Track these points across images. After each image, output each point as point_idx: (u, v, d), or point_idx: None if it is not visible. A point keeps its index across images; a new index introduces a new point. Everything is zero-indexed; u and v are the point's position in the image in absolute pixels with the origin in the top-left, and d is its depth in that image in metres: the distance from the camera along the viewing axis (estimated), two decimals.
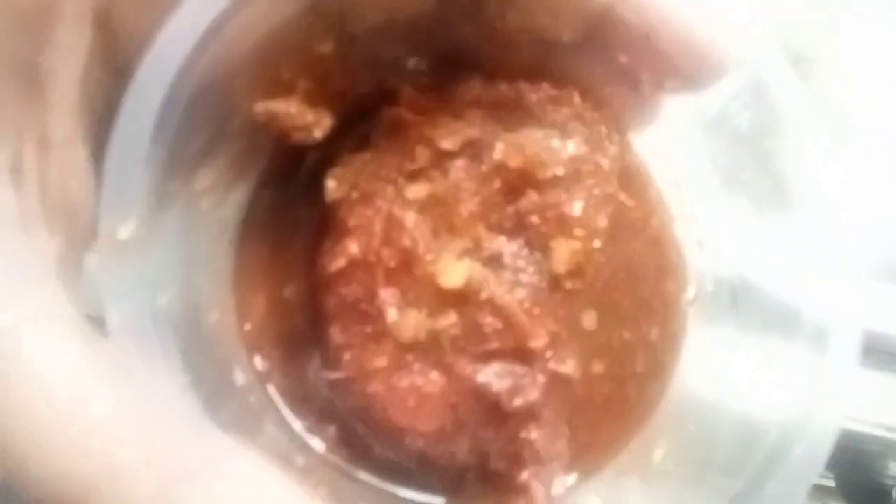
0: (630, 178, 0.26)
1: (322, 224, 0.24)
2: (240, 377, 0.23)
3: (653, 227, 0.27)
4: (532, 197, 0.23)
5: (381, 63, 0.24)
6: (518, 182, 0.23)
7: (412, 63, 0.25)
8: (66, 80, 0.18)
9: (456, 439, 0.23)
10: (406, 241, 0.23)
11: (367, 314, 0.23)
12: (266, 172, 0.25)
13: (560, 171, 0.24)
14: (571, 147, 0.24)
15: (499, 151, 0.23)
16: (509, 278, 0.23)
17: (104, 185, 0.17)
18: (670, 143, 0.26)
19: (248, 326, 0.25)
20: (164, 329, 0.17)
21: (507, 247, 0.23)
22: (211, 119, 0.20)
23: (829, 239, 0.22)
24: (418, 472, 0.24)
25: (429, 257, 0.23)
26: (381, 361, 0.23)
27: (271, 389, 0.24)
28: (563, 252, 0.23)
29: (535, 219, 0.23)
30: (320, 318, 0.24)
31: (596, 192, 0.24)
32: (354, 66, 0.24)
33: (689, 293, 0.27)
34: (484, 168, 0.23)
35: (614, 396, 0.26)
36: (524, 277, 0.23)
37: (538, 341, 0.23)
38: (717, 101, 0.24)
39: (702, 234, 0.27)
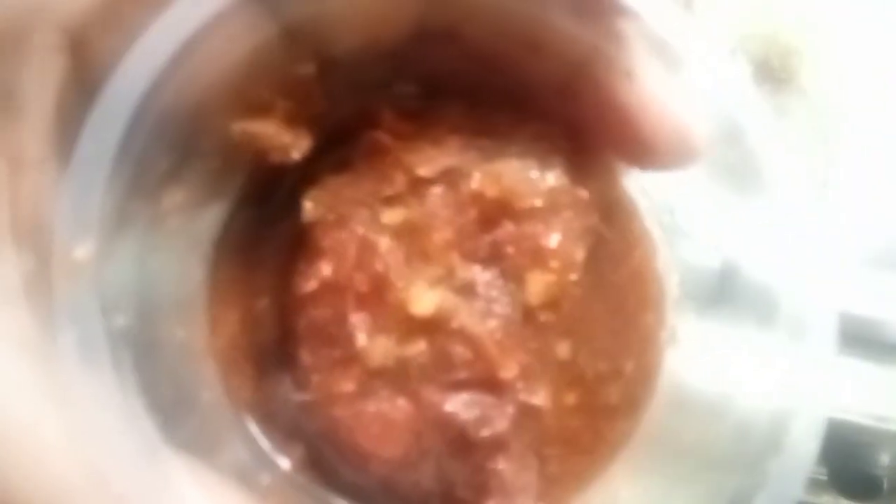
0: (613, 210, 0.26)
1: (297, 244, 0.24)
2: (206, 395, 0.23)
3: (634, 260, 0.26)
4: (508, 227, 0.23)
5: (361, 86, 0.24)
6: (494, 212, 0.23)
7: (393, 86, 0.25)
8: (39, 102, 0.19)
9: (420, 467, 0.23)
10: (379, 267, 0.23)
11: (336, 337, 0.23)
12: (243, 190, 0.25)
13: (538, 203, 0.23)
14: (550, 179, 0.24)
15: (476, 181, 0.23)
16: (481, 308, 0.23)
17: (62, 206, 0.17)
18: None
19: (219, 341, 0.25)
20: (120, 350, 0.17)
21: (481, 276, 0.23)
22: (182, 139, 0.20)
23: (808, 227, 0.22)
24: (383, 497, 0.24)
25: (401, 284, 0.23)
26: (348, 386, 0.23)
27: (239, 406, 0.24)
28: (538, 284, 0.23)
29: (510, 249, 0.23)
30: (291, 338, 0.24)
31: (574, 224, 0.24)
32: (334, 88, 0.24)
33: (668, 321, 0.26)
34: (461, 197, 0.23)
35: (585, 429, 0.25)
36: (497, 308, 0.23)
37: (508, 372, 0.23)
38: None
39: (683, 222, 0.27)
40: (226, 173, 0.24)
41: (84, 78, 0.19)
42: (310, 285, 0.23)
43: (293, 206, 0.24)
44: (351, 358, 0.23)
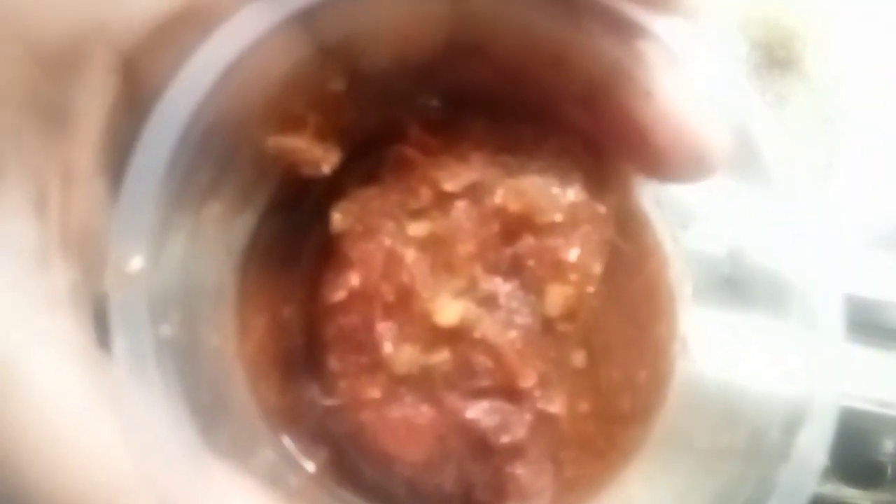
0: (628, 222, 0.27)
1: (325, 254, 0.25)
2: (237, 399, 0.24)
3: (647, 272, 0.27)
4: (529, 241, 0.24)
5: (390, 100, 0.25)
6: (516, 226, 0.24)
7: (421, 101, 0.26)
8: (92, 120, 0.19)
9: (442, 470, 0.24)
10: (405, 278, 0.24)
11: (363, 345, 0.24)
12: (274, 201, 0.26)
13: (558, 218, 0.24)
14: (570, 194, 0.25)
15: (499, 196, 0.24)
16: (503, 319, 0.24)
17: (116, 220, 0.18)
18: None
19: (248, 347, 0.26)
20: (164, 356, 0.18)
21: (503, 288, 0.24)
22: (221, 154, 0.21)
23: (814, 220, 0.22)
24: (406, 498, 0.25)
25: (426, 294, 0.24)
26: (374, 392, 0.24)
27: (267, 410, 0.25)
28: (557, 296, 0.24)
29: (531, 262, 0.24)
30: (319, 344, 0.25)
31: (592, 238, 0.25)
32: (364, 103, 0.25)
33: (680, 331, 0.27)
34: (484, 211, 0.24)
35: (598, 435, 0.26)
36: (517, 319, 0.24)
37: (527, 381, 0.24)
38: None
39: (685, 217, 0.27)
40: (258, 184, 0.25)
41: (134, 97, 0.20)
42: (338, 294, 0.24)
43: (321, 216, 0.25)
44: (377, 365, 0.24)
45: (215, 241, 0.23)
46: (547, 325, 0.25)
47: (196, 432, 0.19)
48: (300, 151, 0.24)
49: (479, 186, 0.24)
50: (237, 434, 0.23)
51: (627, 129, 0.24)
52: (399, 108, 0.26)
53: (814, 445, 0.19)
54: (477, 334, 0.24)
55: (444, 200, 0.24)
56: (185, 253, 0.21)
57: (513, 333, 0.24)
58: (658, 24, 0.22)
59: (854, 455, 0.60)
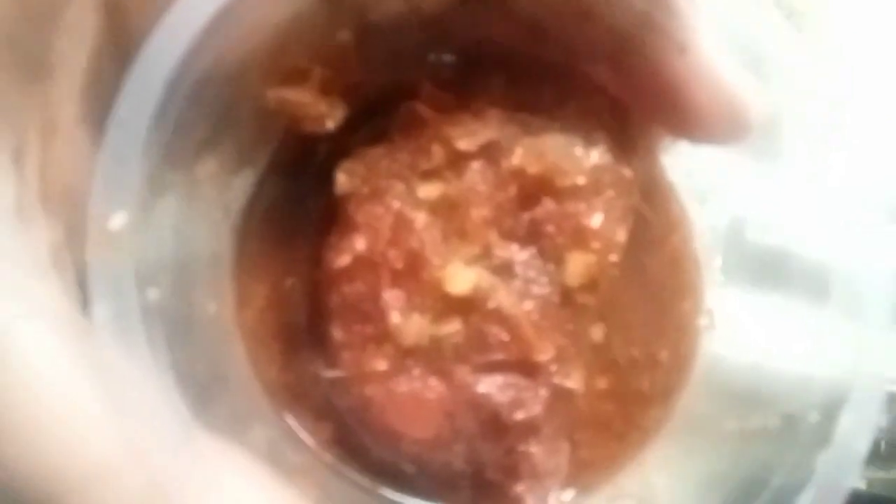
0: (652, 191, 0.25)
1: (330, 217, 0.24)
2: (235, 371, 0.23)
3: (672, 245, 0.26)
4: (549, 206, 0.23)
5: (401, 55, 0.23)
6: (535, 189, 0.22)
7: (434, 57, 0.24)
8: (73, 66, 0.18)
9: (452, 447, 0.23)
10: (414, 243, 0.22)
11: (369, 314, 0.22)
12: (275, 160, 0.24)
13: (580, 181, 0.23)
14: (594, 156, 0.23)
15: (517, 156, 0.22)
16: (519, 288, 0.22)
17: (97, 175, 0.16)
18: None
19: (247, 317, 0.24)
20: (153, 324, 0.17)
21: (519, 255, 0.23)
22: (217, 106, 0.19)
23: (859, 202, 0.21)
24: (413, 476, 0.24)
25: (436, 261, 0.22)
26: (380, 364, 0.22)
27: (268, 384, 0.24)
28: (578, 265, 0.23)
29: (550, 228, 0.23)
30: (322, 313, 0.23)
31: (617, 204, 0.23)
32: (373, 57, 0.23)
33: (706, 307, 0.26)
34: (501, 172, 0.22)
35: (617, 415, 0.25)
36: (535, 289, 0.23)
37: (544, 354, 0.22)
38: None
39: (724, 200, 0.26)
40: (259, 141, 0.24)
41: (119, 41, 0.18)
42: (342, 260, 0.22)
43: (326, 178, 0.24)
44: (384, 336, 0.22)
45: (211, 202, 0.22)
46: (566, 296, 0.23)
47: (187, 405, 0.17)
48: (303, 105, 0.22)
49: (495, 146, 0.23)
50: (233, 408, 0.21)
51: (659, 86, 0.22)
52: (411, 65, 0.24)
53: (856, 431, 0.18)
54: (491, 304, 0.22)
55: (457, 160, 0.23)
56: (178, 212, 0.20)
57: (529, 304, 0.22)
58: None
59: None
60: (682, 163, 0.26)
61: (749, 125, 0.22)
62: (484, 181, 0.23)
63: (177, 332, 0.18)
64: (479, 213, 0.22)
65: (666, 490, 0.23)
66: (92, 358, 0.16)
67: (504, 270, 0.22)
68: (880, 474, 0.75)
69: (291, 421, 0.24)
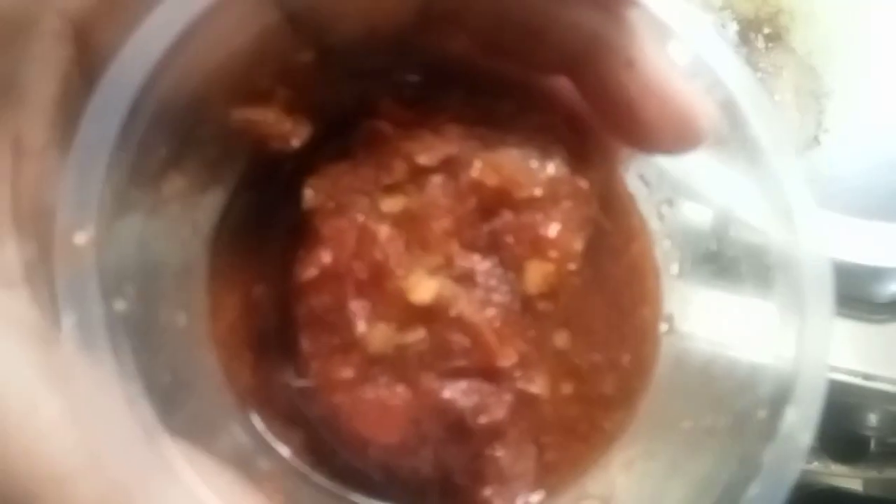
0: (612, 201, 0.26)
1: (298, 231, 0.24)
2: (205, 380, 0.23)
3: (632, 253, 0.26)
4: (507, 217, 0.23)
5: (362, 73, 0.24)
6: (494, 201, 0.23)
7: (394, 74, 0.25)
8: (42, 90, 0.19)
9: (419, 453, 0.24)
10: (378, 255, 0.23)
11: (335, 325, 0.23)
12: (244, 177, 0.25)
13: (537, 193, 0.23)
14: (551, 169, 0.24)
15: (476, 170, 0.23)
16: (480, 297, 0.23)
17: (63, 191, 0.17)
18: None
19: (219, 327, 0.25)
20: (119, 333, 0.17)
21: (480, 265, 0.23)
22: (182, 126, 0.20)
23: (800, 194, 0.21)
24: (382, 483, 0.24)
25: (400, 272, 0.23)
26: (347, 372, 0.23)
27: (239, 392, 0.25)
28: (537, 274, 0.23)
29: (509, 239, 0.23)
30: (291, 324, 0.24)
31: (574, 214, 0.24)
32: (335, 75, 0.24)
33: (665, 312, 0.26)
34: (460, 186, 0.23)
35: (581, 418, 0.25)
36: (496, 297, 0.23)
37: (506, 360, 0.23)
38: None
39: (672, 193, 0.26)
40: (226, 160, 0.24)
41: (87, 66, 0.19)
42: (309, 272, 0.23)
43: (293, 193, 0.24)
44: (350, 345, 0.23)
45: (179, 219, 0.23)
46: (527, 304, 0.24)
47: (153, 413, 0.18)
48: (267, 124, 0.23)
49: (454, 160, 0.23)
50: (201, 415, 0.22)
51: (610, 100, 0.23)
52: (373, 82, 0.25)
53: (800, 424, 0.19)
54: (453, 312, 0.23)
55: (418, 175, 0.23)
56: (144, 228, 0.20)
57: (491, 311, 0.23)
58: None
59: (838, 429, 0.60)
60: (639, 171, 0.27)
61: (700, 137, 0.23)
62: (444, 194, 0.23)
63: (143, 341, 0.19)
64: (440, 225, 0.23)
65: (627, 490, 0.24)
66: (58, 367, 0.17)
67: (465, 280, 0.23)
68: (873, 474, 0.74)
69: (262, 428, 0.24)
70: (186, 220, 0.23)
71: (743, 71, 0.22)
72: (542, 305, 0.24)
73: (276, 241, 0.25)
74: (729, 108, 0.22)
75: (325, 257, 0.23)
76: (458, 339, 0.23)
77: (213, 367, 0.24)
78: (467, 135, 0.24)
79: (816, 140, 0.69)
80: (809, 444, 0.18)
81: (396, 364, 0.23)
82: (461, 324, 0.23)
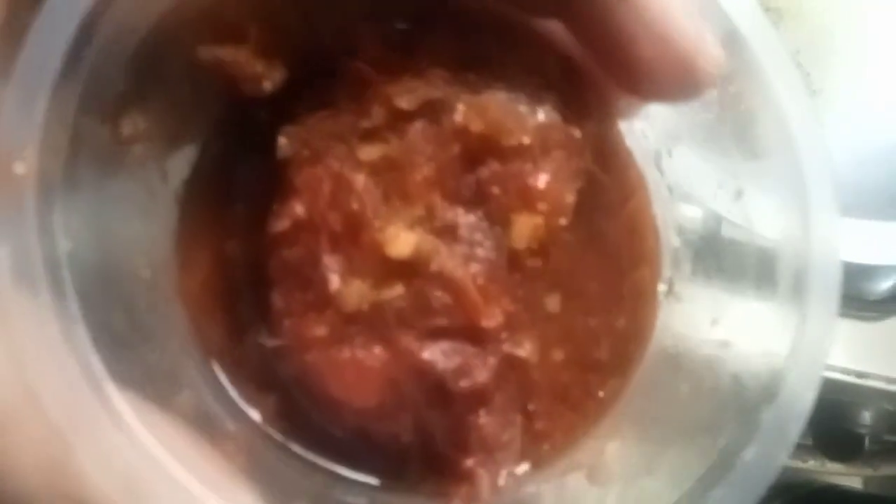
0: (608, 154, 0.25)
1: (273, 182, 0.23)
2: (171, 337, 0.22)
3: (630, 210, 0.25)
4: (494, 166, 0.22)
5: (342, 13, 0.23)
6: (479, 149, 0.22)
7: (377, 14, 0.23)
8: None
9: (397, 418, 0.22)
10: (354, 205, 0.21)
11: (309, 280, 0.22)
12: (218, 125, 0.24)
13: (526, 140, 0.22)
14: (541, 115, 0.22)
15: (460, 114, 0.22)
16: (463, 251, 0.22)
17: (2, 115, 0.16)
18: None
19: (189, 284, 0.23)
20: (62, 274, 0.16)
21: (464, 218, 0.22)
22: (140, 58, 0.19)
23: (801, 185, 0.20)
24: (358, 450, 0.23)
25: (377, 224, 0.21)
26: (320, 331, 0.21)
27: (209, 351, 0.23)
28: (524, 227, 0.22)
29: (495, 189, 0.22)
30: (263, 280, 0.23)
31: (565, 165, 0.22)
32: (313, 15, 0.22)
33: (665, 274, 0.25)
34: (443, 132, 0.22)
35: (574, 385, 0.24)
36: (480, 252, 0.22)
37: (491, 320, 0.22)
38: None
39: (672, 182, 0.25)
40: (196, 105, 0.23)
41: None
42: (281, 224, 0.22)
43: (271, 143, 0.23)
44: (324, 302, 0.21)
45: (144, 164, 0.21)
46: (514, 260, 0.22)
47: (101, 362, 0.16)
48: (237, 65, 0.21)
49: (437, 104, 0.22)
50: (161, 370, 0.21)
51: (604, 40, 0.21)
52: (353, 23, 0.23)
53: (802, 387, 0.17)
54: (434, 268, 0.21)
55: (398, 120, 0.22)
56: (102, 169, 0.19)
57: (475, 267, 0.21)
58: None
59: (833, 427, 0.60)
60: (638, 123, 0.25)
61: (701, 82, 0.21)
62: (426, 141, 0.22)
63: (95, 286, 0.17)
64: (421, 174, 0.22)
65: (616, 457, 0.22)
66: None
67: (448, 233, 0.22)
68: (868, 471, 0.74)
69: (231, 389, 0.23)
70: (153, 167, 0.22)
71: (754, 10, 0.21)
72: (531, 262, 0.22)
73: (250, 193, 0.24)
74: (736, 47, 0.20)
75: (299, 208, 0.22)
76: (439, 297, 0.21)
77: (180, 323, 0.23)
78: (452, 78, 0.22)
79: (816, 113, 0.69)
80: (809, 409, 0.17)
81: (373, 322, 0.21)
82: (442, 280, 0.21)
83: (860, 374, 0.57)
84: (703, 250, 0.24)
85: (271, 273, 0.22)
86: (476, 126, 0.22)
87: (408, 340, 0.21)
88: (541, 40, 0.23)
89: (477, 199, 0.22)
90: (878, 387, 0.58)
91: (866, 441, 0.61)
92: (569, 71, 0.23)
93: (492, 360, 0.22)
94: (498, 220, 0.22)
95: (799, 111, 0.19)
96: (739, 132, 0.21)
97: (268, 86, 0.22)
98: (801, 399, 0.17)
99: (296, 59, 0.23)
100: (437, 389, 0.22)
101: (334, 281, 0.21)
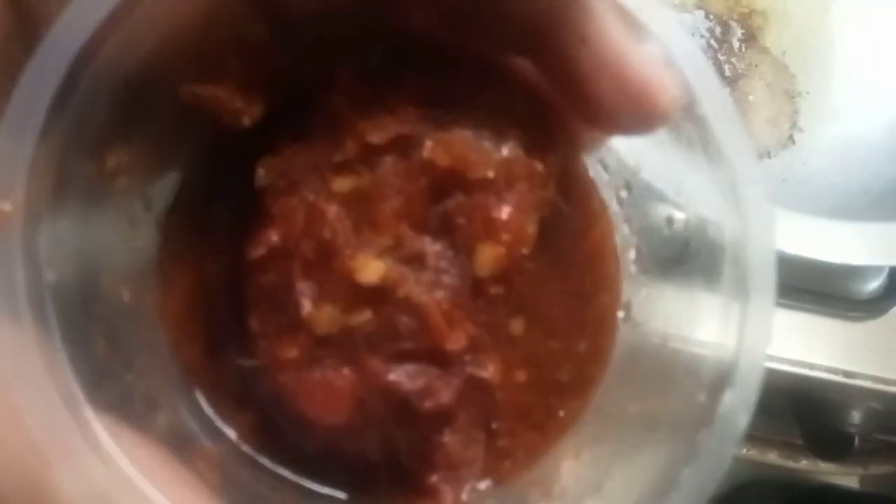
0: (572, 186, 0.26)
1: (251, 210, 0.24)
2: (151, 357, 0.23)
3: (592, 238, 0.26)
4: (459, 198, 0.23)
5: (321, 49, 0.24)
6: (446, 182, 0.23)
7: (354, 50, 0.25)
8: None
9: (365, 436, 0.23)
10: (326, 234, 0.23)
11: (283, 304, 0.23)
12: (200, 153, 0.25)
13: (490, 174, 0.23)
14: (505, 150, 0.23)
15: (427, 150, 0.23)
16: (429, 279, 0.23)
17: None
18: None
19: (171, 305, 0.25)
20: (46, 303, 0.17)
21: (431, 247, 0.23)
22: (126, 96, 0.20)
23: (755, 193, 0.21)
24: (327, 465, 0.24)
25: (348, 252, 0.22)
26: (293, 352, 0.23)
27: (189, 371, 0.24)
28: (487, 256, 0.23)
29: (460, 220, 0.23)
30: (241, 304, 0.24)
31: (528, 197, 0.24)
32: (293, 51, 0.24)
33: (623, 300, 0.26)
34: (412, 165, 0.23)
35: (536, 406, 0.25)
36: (445, 279, 0.23)
37: (455, 344, 0.23)
38: None
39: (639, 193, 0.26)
40: (179, 136, 0.24)
41: (26, 34, 0.19)
42: (258, 251, 0.23)
43: (250, 171, 0.24)
44: (297, 325, 0.23)
45: (128, 193, 0.22)
46: (478, 287, 0.23)
47: (79, 383, 0.18)
48: (218, 101, 0.23)
49: (407, 140, 0.23)
50: (139, 391, 0.22)
51: (566, 78, 0.23)
52: (332, 58, 0.25)
53: (736, 409, 0.18)
54: (401, 294, 0.22)
55: (370, 154, 0.23)
56: (87, 201, 0.20)
57: (440, 294, 0.23)
58: None
59: (822, 426, 0.61)
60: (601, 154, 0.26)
61: (658, 116, 0.23)
62: (395, 174, 0.23)
63: (77, 312, 0.19)
64: (390, 205, 0.23)
65: (570, 476, 0.23)
66: None
67: (415, 261, 0.23)
68: (858, 470, 0.74)
69: (209, 408, 0.24)
70: (136, 195, 0.23)
71: (699, 58, 0.22)
72: (494, 289, 0.24)
73: (230, 219, 0.25)
74: (685, 92, 0.22)
75: (274, 236, 0.23)
76: (406, 322, 0.22)
77: (160, 343, 0.24)
78: (422, 115, 0.24)
79: (791, 139, 0.70)
80: (744, 429, 0.18)
81: (343, 345, 0.23)
82: (409, 306, 0.22)
83: (848, 374, 0.58)
84: (659, 277, 0.25)
85: (248, 297, 0.23)
86: (443, 161, 0.23)
87: (375, 363, 0.23)
88: (510, 76, 0.25)
89: (443, 230, 0.23)
90: (867, 386, 0.59)
91: (856, 440, 0.62)
92: (536, 105, 0.25)
93: (455, 382, 0.23)
94: (463, 249, 0.23)
95: (744, 173, 0.20)
96: (690, 170, 0.22)
97: (246, 120, 0.23)
98: (737, 421, 0.18)
99: (274, 93, 0.24)
100: (403, 409, 0.23)
101: (306, 306, 0.22)
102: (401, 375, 0.23)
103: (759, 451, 0.75)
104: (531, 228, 0.23)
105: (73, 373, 0.18)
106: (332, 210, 0.23)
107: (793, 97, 0.70)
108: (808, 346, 0.59)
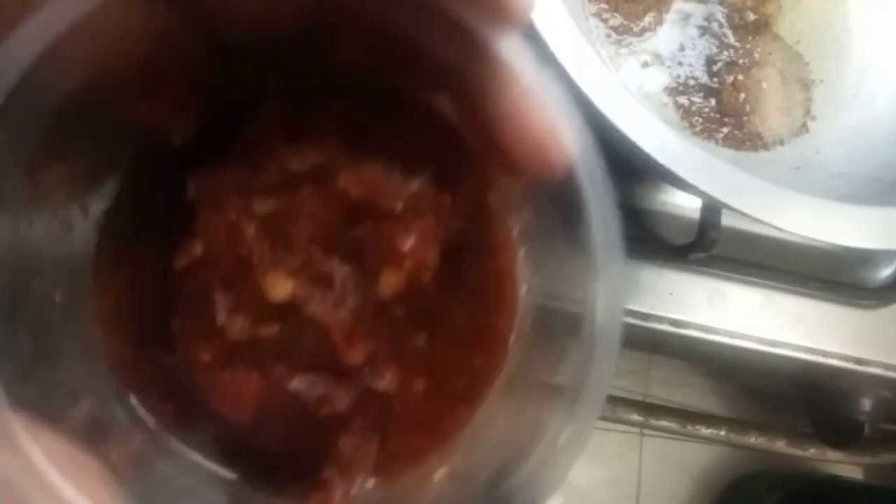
0: (480, 217, 0.28)
1: (181, 221, 0.26)
2: (77, 354, 0.26)
3: (496, 267, 0.28)
4: (369, 226, 0.25)
5: (252, 73, 0.26)
6: (358, 210, 0.25)
7: (282, 77, 0.27)
8: None
9: (269, 434, 0.26)
10: (244, 252, 0.25)
11: (202, 312, 0.25)
12: (139, 163, 0.27)
13: (398, 206, 0.25)
14: (415, 184, 0.26)
15: (342, 181, 0.25)
16: (335, 299, 0.25)
17: None
18: None
19: (104, 306, 0.27)
20: None
21: (339, 270, 0.25)
22: (62, 115, 0.22)
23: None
24: (236, 455, 0.27)
25: (262, 270, 0.25)
26: (207, 356, 0.25)
27: (118, 367, 0.27)
28: (391, 280, 0.25)
29: (369, 247, 0.25)
30: (167, 308, 0.26)
31: (433, 228, 0.26)
32: (225, 73, 0.25)
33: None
34: (327, 194, 0.25)
35: (429, 414, 0.28)
36: (350, 300, 0.25)
37: (354, 359, 0.25)
38: None
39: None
40: (118, 147, 0.26)
41: None
42: (182, 261, 0.25)
43: (183, 182, 0.26)
44: (212, 332, 0.25)
45: (64, 202, 0.24)
46: (381, 308, 0.26)
47: (3, 382, 0.20)
48: (152, 120, 0.24)
49: (323, 170, 0.25)
50: (62, 387, 0.24)
51: (479, 118, 0.24)
52: (261, 83, 0.26)
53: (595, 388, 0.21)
54: (307, 311, 0.25)
55: (290, 180, 0.25)
56: (21, 212, 0.22)
57: (343, 313, 0.25)
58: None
59: (833, 414, 0.62)
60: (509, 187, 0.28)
61: (554, 166, 0.25)
62: (312, 201, 0.25)
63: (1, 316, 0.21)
64: (305, 229, 0.25)
65: (443, 479, 0.26)
66: None
67: (323, 282, 0.25)
68: (867, 459, 0.75)
69: (135, 402, 0.27)
70: (73, 205, 0.25)
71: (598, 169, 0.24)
72: (398, 310, 0.26)
73: (165, 225, 0.27)
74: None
75: (198, 249, 0.25)
76: (310, 337, 0.25)
77: (91, 343, 0.26)
78: (340, 146, 0.26)
79: (805, 127, 0.69)
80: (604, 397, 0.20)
81: (253, 353, 0.25)
82: (313, 323, 0.25)
83: (859, 361, 0.59)
84: (542, 309, 0.27)
85: (173, 302, 0.26)
86: (355, 192, 0.25)
87: (280, 371, 0.25)
88: (430, 111, 0.27)
89: (352, 254, 0.25)
90: (878, 374, 0.60)
91: (866, 428, 0.63)
92: (452, 141, 0.27)
93: (352, 392, 0.26)
94: (369, 273, 0.26)
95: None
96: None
97: (177, 140, 0.25)
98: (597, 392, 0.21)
99: (207, 114, 0.26)
100: (303, 414, 0.25)
101: (221, 316, 0.25)
102: (302, 384, 0.25)
103: (767, 440, 0.78)
104: (433, 258, 0.26)
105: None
106: (251, 230, 0.25)
107: (806, 85, 0.70)
108: (820, 333, 0.59)
